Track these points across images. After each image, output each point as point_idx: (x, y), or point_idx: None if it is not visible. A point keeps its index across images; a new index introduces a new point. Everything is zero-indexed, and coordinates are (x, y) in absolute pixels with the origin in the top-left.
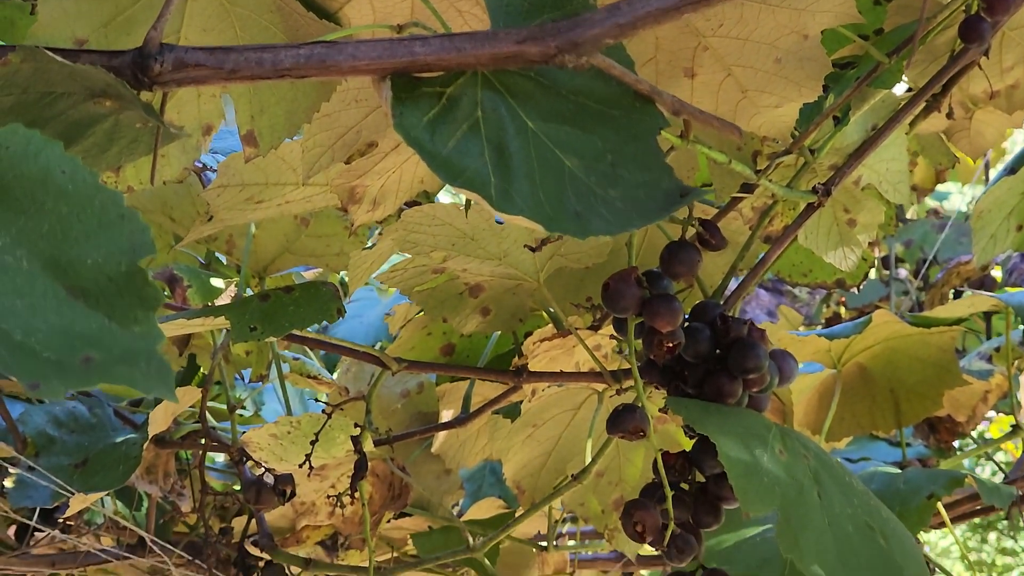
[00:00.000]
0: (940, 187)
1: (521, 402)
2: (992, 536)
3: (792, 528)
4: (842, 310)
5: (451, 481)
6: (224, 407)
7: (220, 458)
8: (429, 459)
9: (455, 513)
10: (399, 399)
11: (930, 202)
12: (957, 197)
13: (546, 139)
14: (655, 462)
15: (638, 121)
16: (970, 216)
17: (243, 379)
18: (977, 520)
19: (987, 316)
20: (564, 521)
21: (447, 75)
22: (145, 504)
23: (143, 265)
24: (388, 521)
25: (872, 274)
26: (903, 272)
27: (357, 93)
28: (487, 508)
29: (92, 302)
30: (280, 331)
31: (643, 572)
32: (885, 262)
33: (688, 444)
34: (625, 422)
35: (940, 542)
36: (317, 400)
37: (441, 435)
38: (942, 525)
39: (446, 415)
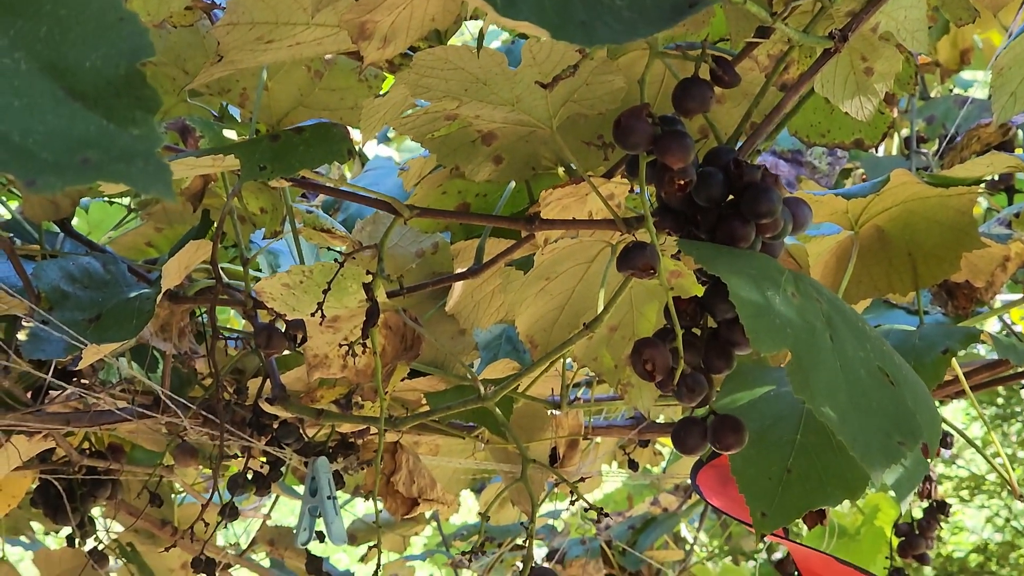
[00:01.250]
0: (964, 75)
1: (534, 255)
2: (1013, 432)
3: (804, 369)
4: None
5: (465, 341)
6: (239, 268)
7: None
8: (444, 319)
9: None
10: (414, 259)
11: (955, 89)
12: (981, 89)
13: None
14: (667, 306)
15: None
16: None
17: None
18: (1000, 400)
19: (1009, 193)
20: (579, 386)
21: None
22: (160, 366)
23: (142, 68)
24: (402, 380)
25: (893, 150)
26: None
27: None
28: (501, 369)
29: (91, 104)
30: (290, 170)
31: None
32: (907, 142)
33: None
34: (635, 259)
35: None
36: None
37: (456, 294)
38: (961, 395)
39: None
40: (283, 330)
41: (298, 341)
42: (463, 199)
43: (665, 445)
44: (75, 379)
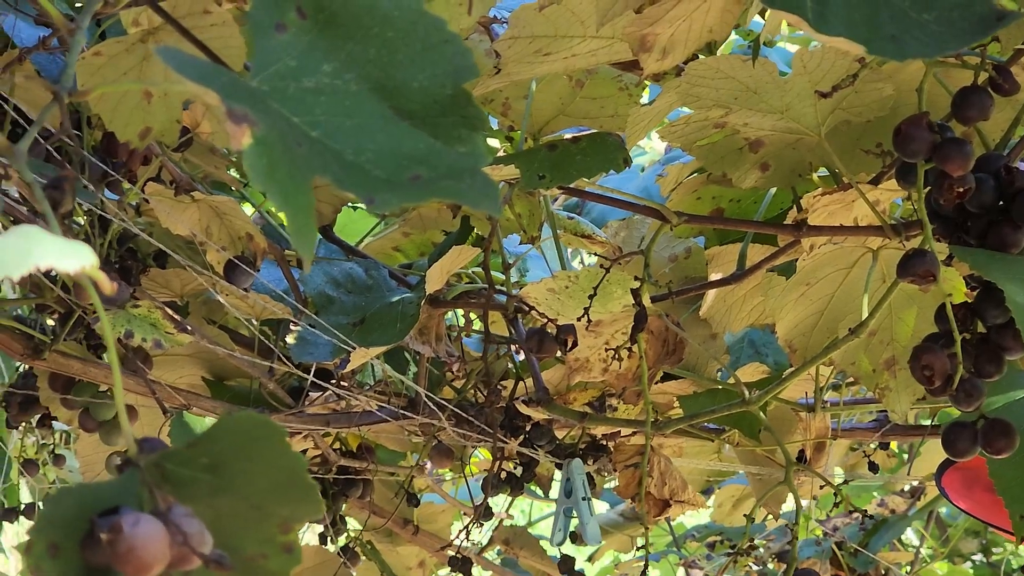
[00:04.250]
0: None
1: (795, 261)
2: None
3: None
4: None
5: (717, 346)
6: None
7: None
8: (696, 323)
9: None
10: (667, 263)
11: None
12: None
13: None
14: (940, 310)
15: None
16: None
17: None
18: None
19: None
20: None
21: None
22: (412, 370)
23: (467, 88)
24: (655, 382)
25: None
26: None
27: None
28: (751, 372)
29: (418, 123)
30: (568, 179)
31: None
32: None
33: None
34: (915, 266)
35: None
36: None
37: (709, 298)
38: None
39: (715, 279)
40: (554, 334)
41: (568, 346)
42: (717, 204)
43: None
44: (333, 381)
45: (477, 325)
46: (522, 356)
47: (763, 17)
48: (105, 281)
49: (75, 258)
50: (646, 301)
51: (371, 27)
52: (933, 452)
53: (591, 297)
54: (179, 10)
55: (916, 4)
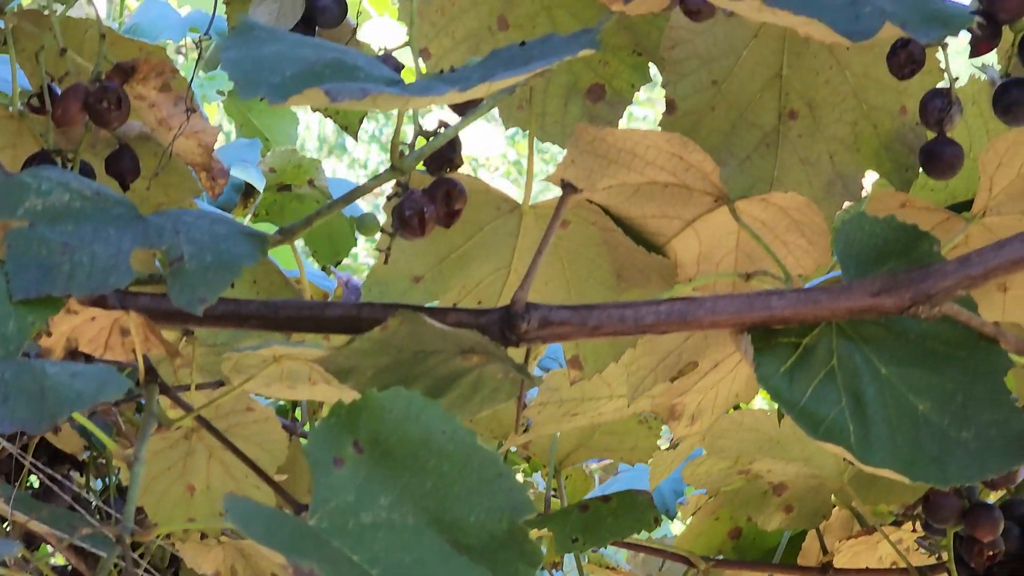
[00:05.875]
0: None
1: None
2: None
3: None
4: None
5: None
6: None
7: None
8: None
9: None
10: None
11: None
12: None
13: (899, 383)
14: None
15: (984, 361)
16: None
17: None
18: None
19: None
20: None
21: (802, 326)
22: None
23: (523, 523)
24: None
25: None
26: None
27: None
28: None
29: (476, 557)
30: (601, 541)
31: None
32: None
33: None
34: None
35: None
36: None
37: None
38: None
39: None
40: None
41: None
42: (735, 524)
43: None
44: None
45: None
46: None
47: None
48: None
49: None
50: None
51: (427, 460)
52: None
53: None
54: (222, 408)
55: (954, 423)
